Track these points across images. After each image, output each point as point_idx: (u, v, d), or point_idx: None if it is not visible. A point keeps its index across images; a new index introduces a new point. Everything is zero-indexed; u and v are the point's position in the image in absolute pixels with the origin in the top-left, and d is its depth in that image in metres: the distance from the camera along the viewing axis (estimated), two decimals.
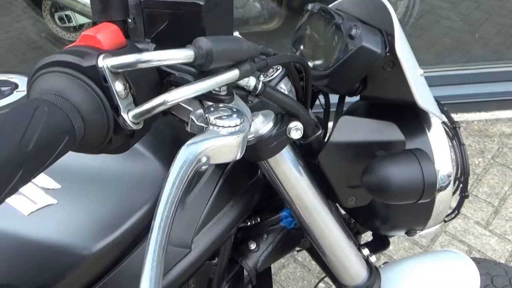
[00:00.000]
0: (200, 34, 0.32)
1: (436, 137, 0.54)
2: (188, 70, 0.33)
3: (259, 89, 0.37)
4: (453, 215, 0.60)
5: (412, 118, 0.54)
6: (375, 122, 0.48)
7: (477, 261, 0.80)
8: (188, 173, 0.28)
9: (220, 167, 0.54)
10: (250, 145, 0.44)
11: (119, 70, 0.28)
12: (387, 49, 0.45)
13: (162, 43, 0.34)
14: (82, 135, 0.27)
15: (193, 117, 0.31)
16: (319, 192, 0.50)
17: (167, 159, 0.53)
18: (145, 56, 0.28)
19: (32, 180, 0.46)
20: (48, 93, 0.26)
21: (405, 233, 0.62)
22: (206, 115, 0.30)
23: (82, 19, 2.32)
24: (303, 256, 1.58)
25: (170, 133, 0.55)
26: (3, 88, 0.55)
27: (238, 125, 0.29)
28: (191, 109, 0.32)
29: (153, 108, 0.29)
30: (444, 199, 0.55)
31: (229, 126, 0.29)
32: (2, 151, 0.22)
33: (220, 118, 0.29)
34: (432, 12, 2.76)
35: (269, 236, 0.62)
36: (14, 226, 0.44)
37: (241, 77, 0.32)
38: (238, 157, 0.30)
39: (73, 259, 0.45)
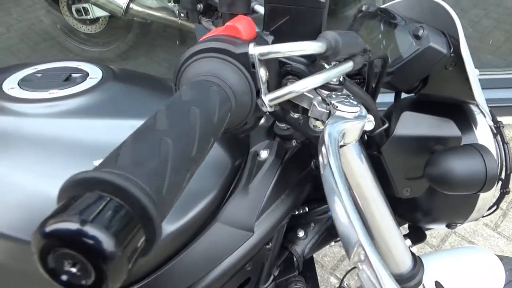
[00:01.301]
0: (316, 29, 0.35)
1: (483, 135, 0.57)
2: (301, 61, 0.36)
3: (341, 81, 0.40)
4: (492, 210, 0.63)
5: (459, 116, 0.57)
6: (434, 118, 0.51)
7: (501, 258, 0.84)
8: (338, 147, 0.31)
9: (279, 157, 0.57)
10: (317, 135, 0.47)
11: (265, 58, 0.31)
12: (451, 50, 0.48)
13: (278, 36, 0.36)
14: (232, 114, 0.30)
15: (315, 103, 0.34)
16: (377, 182, 0.53)
17: (230, 148, 0.56)
18: (287, 46, 0.31)
19: None
20: (208, 75, 0.29)
21: (446, 226, 0.65)
22: (332, 102, 0.33)
23: (99, 12, 2.34)
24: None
25: None
26: (74, 75, 0.57)
27: (359, 111, 0.33)
28: (311, 96, 0.35)
29: (285, 94, 0.32)
30: (488, 194, 0.59)
31: (352, 112, 0.32)
32: (203, 124, 0.24)
33: (343, 104, 0.32)
34: None
35: (316, 225, 0.65)
36: None
37: (354, 68, 0.35)
38: (356, 140, 0.33)
39: None
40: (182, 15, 0.75)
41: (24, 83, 0.54)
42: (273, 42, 0.36)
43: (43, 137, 0.48)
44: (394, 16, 0.55)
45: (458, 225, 0.64)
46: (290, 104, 0.36)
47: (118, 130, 0.51)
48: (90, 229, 0.18)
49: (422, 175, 0.54)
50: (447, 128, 0.52)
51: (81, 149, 0.49)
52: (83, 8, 2.32)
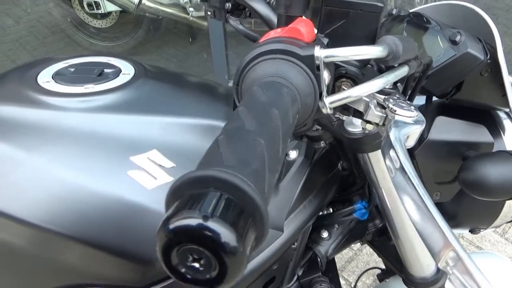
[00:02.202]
0: (371, 33, 0.35)
1: (510, 140, 0.57)
2: (354, 64, 0.36)
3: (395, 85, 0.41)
4: None
5: (488, 121, 0.58)
6: (466, 123, 0.52)
7: None
8: (406, 151, 0.31)
9: (307, 158, 0.58)
10: (357, 138, 0.48)
11: (328, 60, 0.31)
12: (488, 56, 0.48)
13: (333, 39, 0.37)
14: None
15: (372, 106, 0.34)
16: None
17: None
18: (350, 50, 0.32)
19: (150, 158, 0.49)
20: (275, 76, 0.29)
21: (469, 230, 0.65)
22: (389, 105, 0.33)
23: (110, 7, 2.34)
24: None
25: None
26: (106, 70, 0.57)
27: (417, 115, 0.33)
28: (368, 100, 0.35)
29: (346, 97, 0.33)
30: None
31: (411, 117, 0.33)
32: (282, 124, 0.25)
33: (401, 108, 0.33)
34: None
35: (340, 227, 0.66)
36: (138, 199, 0.47)
37: (409, 73, 0.35)
38: (412, 145, 0.33)
39: None
40: (209, 13, 0.75)
41: (58, 77, 0.54)
42: (328, 45, 0.36)
43: (80, 131, 0.49)
44: (428, 21, 0.55)
45: (481, 230, 0.64)
46: (341, 106, 0.36)
47: (152, 126, 0.51)
48: (213, 224, 0.18)
49: (452, 180, 0.55)
50: (480, 134, 0.52)
51: (117, 144, 0.49)
52: (95, 2, 2.32)
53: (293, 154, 0.58)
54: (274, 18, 0.65)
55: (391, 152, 0.31)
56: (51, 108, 0.49)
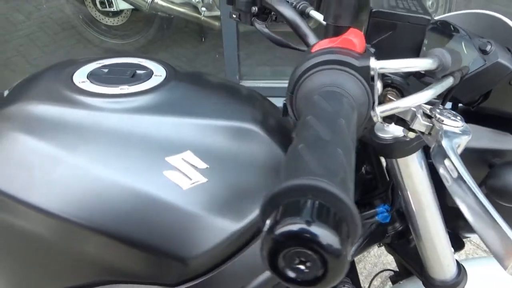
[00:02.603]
0: (416, 45, 0.36)
1: None
2: (399, 74, 0.37)
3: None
4: None
5: (509, 130, 0.59)
6: (493, 131, 0.53)
7: None
8: (461, 160, 0.32)
9: None
10: (387, 143, 0.49)
11: (382, 72, 0.32)
12: None
13: (379, 50, 0.38)
14: None
15: (419, 116, 0.36)
16: (433, 190, 0.55)
17: (284, 151, 0.58)
18: (403, 62, 0.33)
19: (184, 158, 0.50)
20: (333, 86, 0.31)
21: None
22: (436, 115, 0.34)
23: (123, 5, 2.36)
24: None
25: (283, 131, 0.60)
26: (138, 72, 0.59)
27: (463, 125, 0.34)
28: (415, 109, 0.36)
29: (397, 107, 0.34)
30: None
31: (458, 127, 0.34)
32: (350, 134, 0.26)
33: (448, 118, 0.34)
34: None
35: (361, 229, 0.67)
36: (174, 198, 0.48)
37: (454, 83, 0.37)
38: (458, 154, 0.34)
39: (221, 232, 0.49)
40: (234, 16, 0.77)
41: (93, 77, 0.56)
42: (375, 55, 0.37)
43: (117, 131, 0.50)
44: (455, 29, 0.56)
45: None
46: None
47: (186, 127, 0.53)
48: (317, 229, 0.19)
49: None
50: (506, 142, 0.53)
51: (152, 145, 0.50)
52: (107, 0, 2.33)
53: None
54: (300, 22, 0.66)
55: (446, 162, 0.32)
56: (89, 108, 0.51)
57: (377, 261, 1.67)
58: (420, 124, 0.36)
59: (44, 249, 0.50)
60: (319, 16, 0.69)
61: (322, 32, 0.39)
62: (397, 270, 0.94)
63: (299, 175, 0.21)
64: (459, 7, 2.58)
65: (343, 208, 0.20)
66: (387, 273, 1.04)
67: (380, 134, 0.49)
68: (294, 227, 0.20)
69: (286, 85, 0.35)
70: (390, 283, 0.98)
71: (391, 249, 0.73)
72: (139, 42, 2.68)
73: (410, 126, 0.37)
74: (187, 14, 2.28)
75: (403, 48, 0.37)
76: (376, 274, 0.99)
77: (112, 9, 2.39)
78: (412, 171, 0.51)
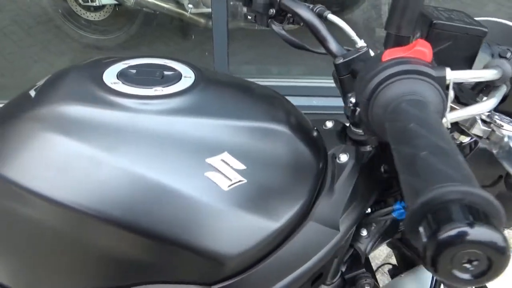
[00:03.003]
0: (472, 56, 0.39)
1: None
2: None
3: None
4: None
5: None
6: None
7: None
8: None
9: (358, 161, 0.61)
10: None
11: (455, 81, 0.34)
12: None
13: (437, 60, 0.40)
14: None
15: (479, 122, 0.38)
16: None
17: (315, 152, 0.60)
18: (473, 73, 0.35)
19: (223, 160, 0.51)
20: (416, 94, 0.32)
21: None
22: (497, 121, 0.37)
23: (105, 0, 2.31)
24: None
25: (305, 130, 0.62)
26: (166, 73, 0.59)
27: None
28: (477, 117, 0.38)
29: (465, 115, 0.36)
30: None
31: None
32: (449, 137, 0.28)
33: (507, 123, 0.36)
34: None
35: (377, 226, 0.70)
36: (216, 199, 0.49)
37: (507, 90, 0.39)
38: None
39: (260, 232, 0.50)
40: (250, 17, 0.77)
41: (123, 78, 0.55)
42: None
43: (156, 133, 0.50)
44: None
45: (506, 228, 0.70)
46: None
47: (221, 129, 0.53)
48: (480, 229, 0.21)
49: (492, 184, 0.59)
50: None
51: (192, 146, 0.51)
52: None
53: (343, 158, 0.61)
54: (319, 26, 0.68)
55: None
56: (126, 110, 0.51)
57: (372, 256, 1.72)
58: (479, 129, 0.38)
59: (83, 250, 0.50)
60: (337, 20, 0.71)
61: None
62: (396, 264, 0.98)
63: (441, 182, 0.23)
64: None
65: (489, 207, 0.22)
66: (385, 267, 1.08)
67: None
68: (457, 231, 0.22)
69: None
70: (388, 276, 1.02)
71: (401, 243, 0.77)
72: (120, 38, 2.63)
73: (469, 131, 0.39)
74: (172, 10, 2.26)
75: (459, 57, 0.39)
76: (378, 267, 1.03)
77: (94, 4, 2.33)
78: None
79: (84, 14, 2.45)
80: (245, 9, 0.80)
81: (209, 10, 2.17)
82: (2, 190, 0.49)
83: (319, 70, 2.71)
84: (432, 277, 0.77)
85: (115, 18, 2.57)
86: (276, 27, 0.74)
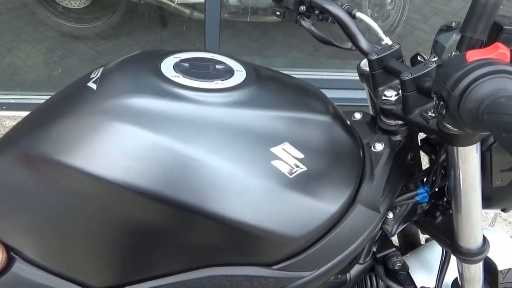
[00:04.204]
0: None
1: None
2: None
3: None
4: None
5: None
6: None
7: None
8: None
9: (392, 150, 0.66)
10: (456, 134, 0.57)
11: None
12: None
13: None
14: None
15: None
16: (480, 172, 0.64)
17: (355, 141, 0.65)
18: None
19: (285, 149, 0.55)
20: (507, 90, 0.37)
21: (501, 210, 0.79)
22: None
23: None
24: None
25: (343, 121, 0.67)
26: (218, 67, 0.61)
27: None
28: None
29: None
30: None
31: None
32: None
33: None
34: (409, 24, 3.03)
35: (401, 209, 0.76)
36: (282, 186, 0.53)
37: None
38: None
39: (321, 215, 0.55)
40: (278, 13, 0.81)
41: (182, 72, 0.57)
42: None
43: (224, 124, 0.53)
44: None
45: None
46: None
47: (280, 120, 0.57)
48: None
49: (510, 168, 0.67)
50: None
51: (256, 137, 0.54)
52: None
53: (379, 147, 0.66)
54: (350, 23, 0.73)
55: None
56: (194, 103, 0.53)
57: None
58: None
59: (151, 235, 0.52)
60: (364, 17, 0.76)
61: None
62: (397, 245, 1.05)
63: None
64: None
65: None
66: None
67: (450, 126, 0.57)
68: None
69: None
70: None
71: (418, 225, 0.83)
72: (99, 28, 2.56)
73: None
74: (159, 0, 2.23)
75: None
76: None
77: None
78: (470, 157, 0.60)
79: (62, 1, 2.36)
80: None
81: (196, 0, 2.17)
82: (75, 180, 0.51)
83: (298, 63, 2.78)
84: (443, 251, 0.84)
85: (96, 7, 2.51)
86: (305, 23, 0.78)
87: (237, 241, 0.53)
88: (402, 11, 2.63)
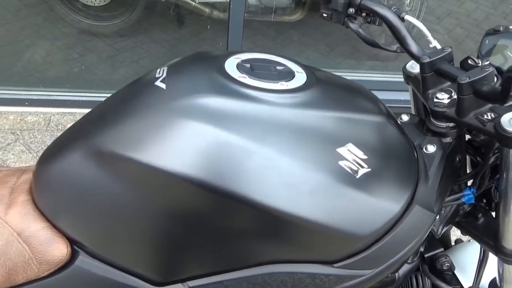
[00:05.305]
0: None
1: None
2: None
3: None
4: None
5: None
6: None
7: None
8: None
9: (444, 152, 0.68)
10: None
11: None
12: None
13: None
14: None
15: None
16: None
17: (409, 143, 0.66)
18: None
19: (350, 150, 0.56)
20: None
21: None
22: None
23: None
24: None
25: (395, 121, 0.68)
26: (278, 68, 0.63)
27: None
28: None
29: None
30: None
31: None
32: None
33: None
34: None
35: (445, 210, 0.77)
36: (350, 186, 0.54)
37: None
38: None
39: (385, 214, 0.56)
40: (326, 15, 0.82)
41: (246, 72, 0.59)
42: None
43: (294, 125, 0.54)
44: None
45: None
46: None
47: (343, 121, 0.58)
48: None
49: None
50: None
51: (323, 137, 0.55)
52: None
53: (431, 148, 0.67)
54: (400, 26, 0.74)
55: None
56: (265, 104, 0.54)
57: None
58: None
59: (217, 230, 0.54)
60: (413, 20, 0.77)
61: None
62: None
63: None
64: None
65: None
66: None
67: (508, 128, 0.58)
68: None
69: None
70: None
71: (459, 226, 0.84)
72: (117, 26, 2.58)
73: None
74: None
75: None
76: None
77: None
78: None
79: None
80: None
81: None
82: (147, 176, 0.52)
83: (314, 62, 2.78)
84: (481, 252, 0.85)
85: (115, 5, 2.52)
86: (353, 25, 0.79)
87: (303, 238, 0.55)
88: (419, 13, 2.63)
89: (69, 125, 2.12)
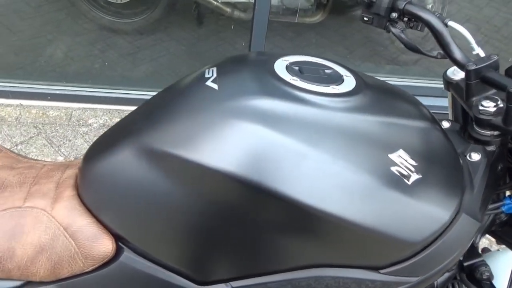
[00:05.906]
0: None
1: None
2: None
3: None
4: None
5: None
6: None
7: None
8: None
9: (488, 160, 0.67)
10: None
11: None
12: None
13: None
14: None
15: None
16: None
17: (455, 151, 0.65)
18: None
19: (401, 156, 0.56)
20: None
21: None
22: None
23: None
24: None
25: (439, 126, 0.67)
26: (327, 71, 0.62)
27: None
28: None
29: None
30: None
31: None
32: None
33: None
34: None
35: (484, 219, 0.76)
36: (402, 192, 0.53)
37: None
38: None
39: (436, 221, 0.56)
40: (367, 19, 0.81)
41: (296, 75, 0.59)
42: None
43: (346, 129, 0.54)
44: None
45: None
46: None
47: (393, 127, 0.58)
48: None
49: None
50: None
51: (374, 142, 0.55)
52: None
53: (475, 156, 0.67)
54: (444, 31, 0.73)
55: None
56: (318, 107, 0.54)
57: None
58: None
59: (266, 232, 0.54)
60: (457, 26, 0.76)
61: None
62: None
63: None
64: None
65: None
66: None
67: None
68: None
69: None
70: None
71: (494, 235, 0.84)
72: (138, 23, 2.59)
73: None
74: None
75: None
76: None
77: None
78: None
79: None
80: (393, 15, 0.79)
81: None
82: (199, 176, 0.52)
83: None
84: None
85: (137, 2, 2.53)
86: (395, 30, 0.79)
87: (352, 243, 0.55)
88: None
89: (90, 121, 2.15)
